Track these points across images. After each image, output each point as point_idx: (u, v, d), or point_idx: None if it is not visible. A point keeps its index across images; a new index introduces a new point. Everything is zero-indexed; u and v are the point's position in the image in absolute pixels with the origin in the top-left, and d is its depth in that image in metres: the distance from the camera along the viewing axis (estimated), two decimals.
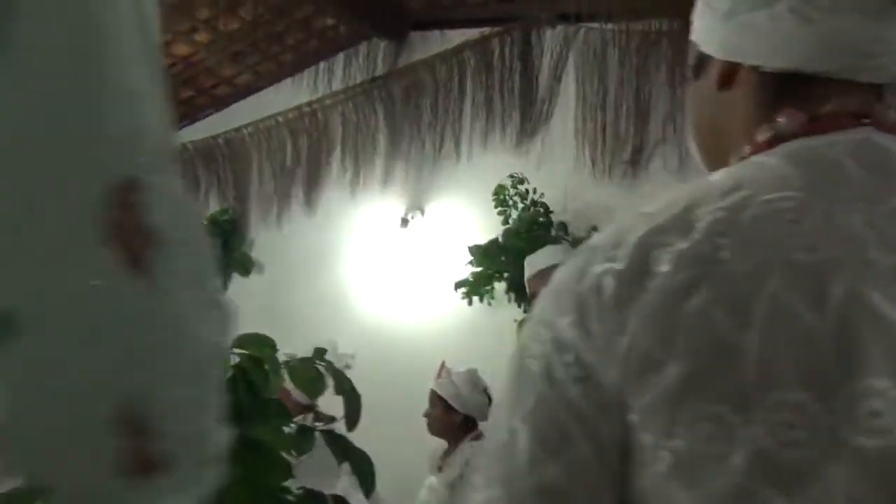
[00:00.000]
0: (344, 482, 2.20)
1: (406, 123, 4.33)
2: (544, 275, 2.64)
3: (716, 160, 0.66)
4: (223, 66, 4.98)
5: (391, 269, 4.21)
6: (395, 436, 3.03)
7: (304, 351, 1.60)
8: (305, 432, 1.77)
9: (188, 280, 0.45)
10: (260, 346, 1.62)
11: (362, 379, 3.42)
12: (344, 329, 4.34)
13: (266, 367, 1.54)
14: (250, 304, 4.90)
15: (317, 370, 1.73)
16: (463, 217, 3.95)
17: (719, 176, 0.58)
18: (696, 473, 0.48)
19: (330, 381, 1.75)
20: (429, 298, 3.92)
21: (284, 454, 1.50)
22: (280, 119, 4.93)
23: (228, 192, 5.20)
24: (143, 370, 0.42)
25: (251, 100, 5.19)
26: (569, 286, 0.56)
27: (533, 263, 2.77)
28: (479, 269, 3.47)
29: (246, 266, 4.90)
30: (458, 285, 3.57)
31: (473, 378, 2.83)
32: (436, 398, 2.83)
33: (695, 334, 0.49)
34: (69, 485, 0.43)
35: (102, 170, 0.42)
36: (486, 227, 3.72)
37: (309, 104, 4.73)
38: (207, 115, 5.54)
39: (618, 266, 0.53)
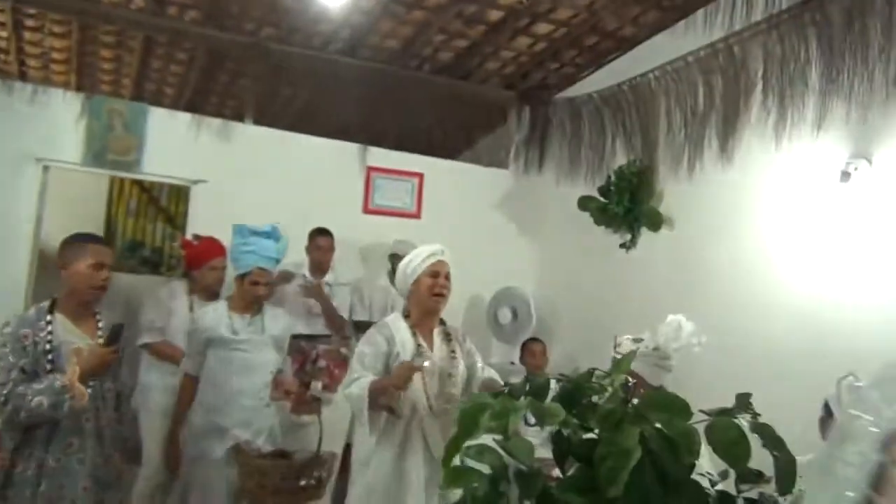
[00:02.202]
0: None
1: (848, 51, 3.55)
2: None
3: None
4: (628, 4, 4.67)
5: (826, 232, 3.52)
6: None
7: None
8: (727, 501, 1.50)
9: None
10: (672, 412, 1.38)
11: (784, 359, 2.94)
12: (762, 300, 3.84)
13: (679, 443, 1.30)
14: (660, 261, 4.68)
15: (739, 430, 1.44)
16: None
17: None
18: None
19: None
20: (876, 272, 3.20)
21: None
22: (690, 59, 4.46)
23: (636, 142, 4.94)
24: None
25: (658, 39, 4.81)
26: None
27: None
28: None
29: (655, 221, 4.64)
30: None
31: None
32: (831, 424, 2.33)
33: None
34: None
35: None
36: None
37: (724, 39, 4.17)
38: (612, 60, 5.32)
39: None
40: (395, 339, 2.86)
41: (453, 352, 2.97)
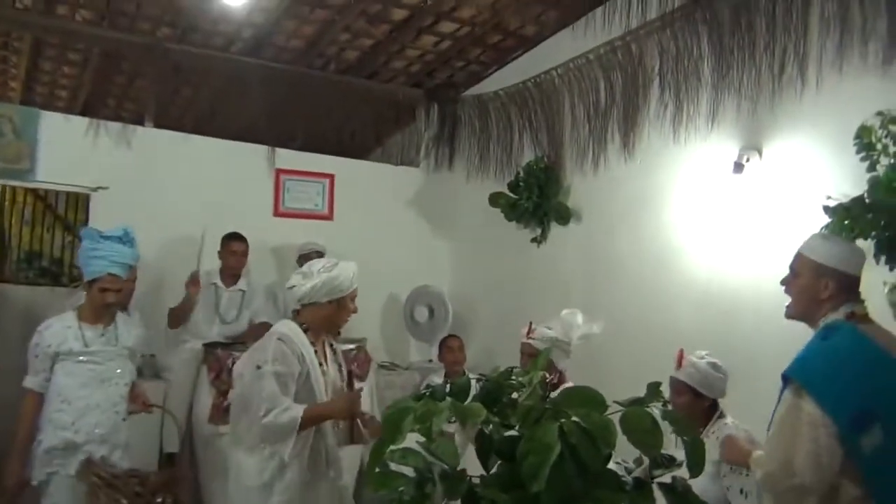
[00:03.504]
0: None
1: (736, 47, 3.73)
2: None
3: None
4: (529, 3, 4.77)
5: (723, 222, 3.71)
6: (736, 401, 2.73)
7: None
8: (643, 488, 1.57)
9: None
10: (589, 406, 1.43)
11: (691, 343, 3.10)
12: (667, 285, 4.02)
13: (596, 436, 1.36)
14: (569, 254, 4.82)
15: (651, 419, 1.51)
16: (811, 161, 3.30)
17: None
18: None
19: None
20: (768, 257, 3.40)
21: None
22: (591, 56, 4.60)
23: (542, 138, 5.06)
24: None
25: (560, 37, 4.93)
26: None
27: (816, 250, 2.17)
28: (836, 227, 2.89)
29: (563, 215, 4.76)
30: None
31: (713, 361, 2.78)
32: (683, 387, 2.75)
33: None
34: None
35: None
36: (841, 173, 3.06)
37: (622, 37, 4.32)
38: (517, 58, 5.42)
39: None
40: (304, 357, 2.77)
41: (339, 365, 2.96)
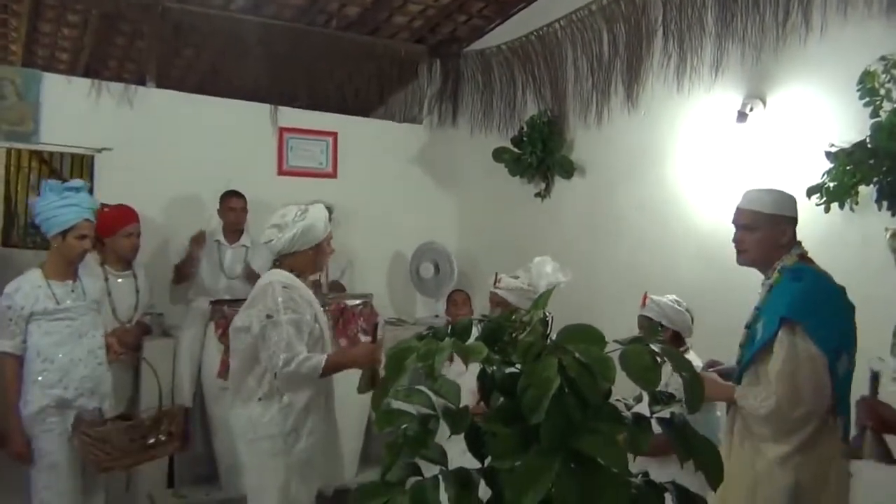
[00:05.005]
0: None
1: None
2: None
3: None
4: None
5: (726, 170, 3.70)
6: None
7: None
8: (641, 424, 1.60)
9: None
10: (588, 343, 1.46)
11: (692, 296, 3.16)
12: (669, 238, 4.03)
13: (595, 370, 1.38)
14: (573, 208, 4.82)
15: (651, 356, 1.53)
16: (815, 108, 3.28)
17: None
18: None
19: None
20: None
21: None
22: (594, 7, 4.55)
23: (546, 91, 5.03)
24: None
25: None
26: None
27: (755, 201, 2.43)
28: (838, 173, 2.89)
29: (567, 169, 4.75)
30: (810, 192, 3.02)
31: (677, 301, 3.11)
32: (645, 321, 3.08)
33: None
34: None
35: None
36: (845, 120, 3.05)
37: None
38: (519, 11, 5.35)
39: None
40: (311, 302, 2.81)
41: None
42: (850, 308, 2.27)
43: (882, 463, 2.09)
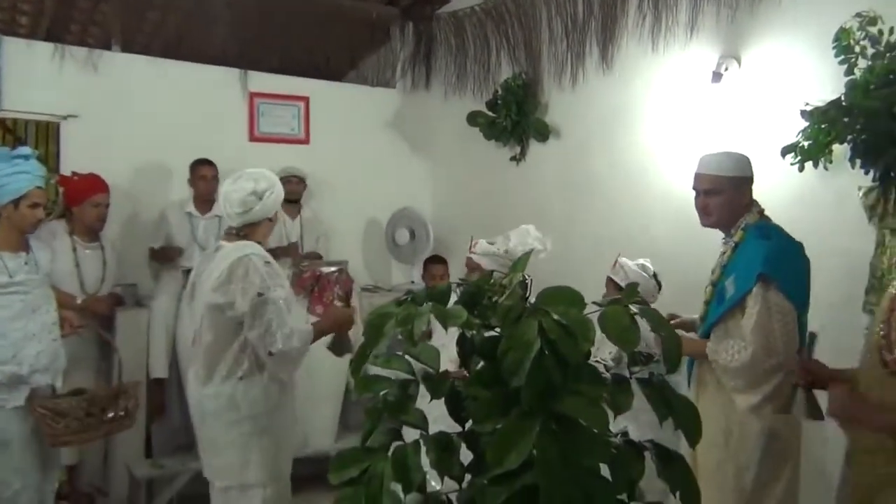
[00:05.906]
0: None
1: None
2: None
3: None
4: None
5: (701, 130, 3.69)
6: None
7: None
8: (622, 384, 1.60)
9: None
10: (567, 305, 1.45)
11: (667, 257, 3.18)
12: (644, 200, 4.03)
13: (575, 331, 1.38)
14: (548, 171, 4.80)
15: (630, 316, 1.53)
16: (790, 67, 3.27)
17: None
18: None
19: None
20: None
21: None
22: None
23: (520, 54, 4.97)
24: None
25: None
26: None
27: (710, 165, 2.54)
28: (813, 132, 2.89)
29: (542, 132, 4.72)
30: (785, 151, 3.03)
31: (643, 266, 3.25)
32: (610, 282, 3.28)
33: None
34: None
35: None
36: (820, 78, 3.05)
37: None
38: None
39: None
40: (282, 276, 2.75)
41: None
42: (809, 263, 2.42)
43: (811, 420, 2.23)
